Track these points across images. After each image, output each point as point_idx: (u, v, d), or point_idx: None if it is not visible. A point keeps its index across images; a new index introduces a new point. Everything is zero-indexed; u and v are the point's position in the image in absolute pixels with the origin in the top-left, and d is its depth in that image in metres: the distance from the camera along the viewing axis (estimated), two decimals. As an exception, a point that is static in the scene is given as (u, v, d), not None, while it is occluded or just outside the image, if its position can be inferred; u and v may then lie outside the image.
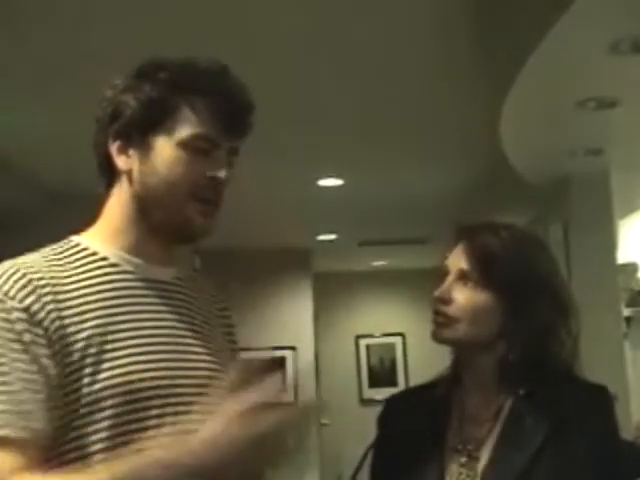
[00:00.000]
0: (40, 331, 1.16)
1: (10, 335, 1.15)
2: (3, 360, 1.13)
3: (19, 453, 1.10)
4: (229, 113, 1.30)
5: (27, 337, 1.15)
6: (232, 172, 1.33)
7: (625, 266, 4.69)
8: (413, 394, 1.67)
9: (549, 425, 1.40)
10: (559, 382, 1.46)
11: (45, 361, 1.15)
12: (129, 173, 1.30)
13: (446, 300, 1.48)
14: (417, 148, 4.54)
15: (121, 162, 1.30)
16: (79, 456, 1.17)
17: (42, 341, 1.16)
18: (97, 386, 1.18)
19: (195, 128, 1.28)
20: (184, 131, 1.27)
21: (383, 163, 4.79)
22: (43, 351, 1.16)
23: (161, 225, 1.30)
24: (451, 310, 1.48)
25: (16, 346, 1.14)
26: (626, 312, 4.47)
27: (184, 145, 1.27)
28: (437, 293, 1.50)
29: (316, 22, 2.86)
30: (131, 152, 1.29)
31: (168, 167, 1.27)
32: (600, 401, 1.46)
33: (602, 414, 1.45)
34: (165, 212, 1.29)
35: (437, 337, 1.50)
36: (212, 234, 1.33)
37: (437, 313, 1.50)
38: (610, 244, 4.10)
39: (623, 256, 4.62)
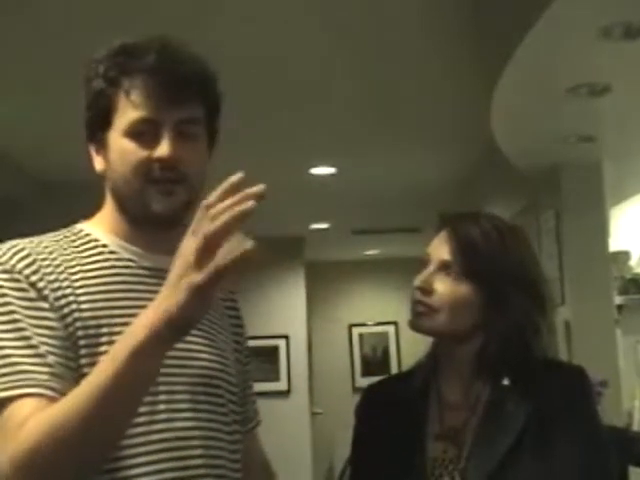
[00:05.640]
0: (42, 299, 1.19)
1: (20, 294, 1.18)
2: (17, 317, 1.16)
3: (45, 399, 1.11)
4: (160, 87, 1.24)
5: (33, 294, 1.18)
6: (195, 144, 1.29)
7: (617, 254, 4.69)
8: (391, 383, 1.68)
9: (529, 408, 1.41)
10: (537, 369, 1.46)
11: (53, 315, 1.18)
12: (104, 172, 1.32)
13: (427, 290, 1.48)
14: (410, 137, 4.53)
15: (97, 163, 1.32)
16: None
17: (46, 305, 1.19)
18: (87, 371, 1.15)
19: (132, 113, 1.25)
20: (124, 119, 1.26)
21: (376, 151, 4.78)
22: (50, 314, 1.18)
23: (134, 215, 1.31)
24: (432, 300, 1.47)
25: (26, 303, 1.17)
26: (618, 300, 4.47)
27: (127, 133, 1.25)
28: (418, 283, 1.50)
29: (309, 5, 2.84)
30: (101, 152, 1.31)
31: (119, 160, 1.27)
32: (578, 383, 1.47)
33: (582, 396, 1.46)
34: (130, 203, 1.29)
35: (415, 327, 1.50)
36: (186, 213, 1.28)
37: (417, 302, 1.49)
38: (602, 232, 4.10)
39: (615, 244, 4.63)
